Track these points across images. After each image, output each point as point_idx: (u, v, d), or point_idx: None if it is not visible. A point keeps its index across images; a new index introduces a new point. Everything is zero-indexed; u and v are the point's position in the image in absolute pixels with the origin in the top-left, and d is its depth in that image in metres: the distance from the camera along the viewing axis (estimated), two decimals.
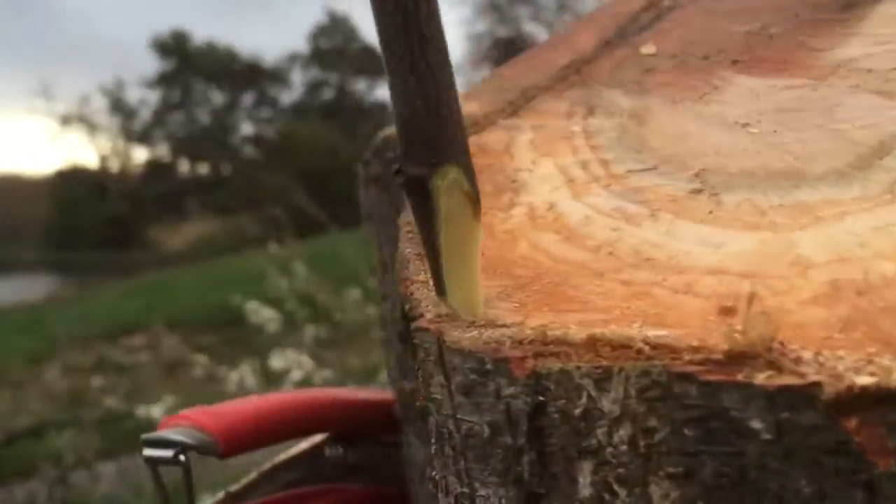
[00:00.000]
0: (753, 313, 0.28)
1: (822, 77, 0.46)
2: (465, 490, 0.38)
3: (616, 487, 0.32)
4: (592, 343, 0.32)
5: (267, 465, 0.90)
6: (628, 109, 0.52)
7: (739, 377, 0.28)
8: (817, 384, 0.27)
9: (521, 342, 0.34)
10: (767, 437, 0.28)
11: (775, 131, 0.43)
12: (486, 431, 0.35)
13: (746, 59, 0.52)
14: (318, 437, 0.89)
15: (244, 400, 0.70)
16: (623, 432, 0.31)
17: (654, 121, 0.50)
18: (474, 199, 0.36)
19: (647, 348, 0.31)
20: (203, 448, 0.64)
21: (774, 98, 0.46)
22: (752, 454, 0.29)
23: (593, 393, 0.32)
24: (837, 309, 0.30)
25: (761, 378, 0.28)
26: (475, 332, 0.36)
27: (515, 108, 0.60)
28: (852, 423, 0.27)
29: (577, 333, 0.33)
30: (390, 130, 0.67)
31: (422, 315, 0.39)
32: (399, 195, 0.65)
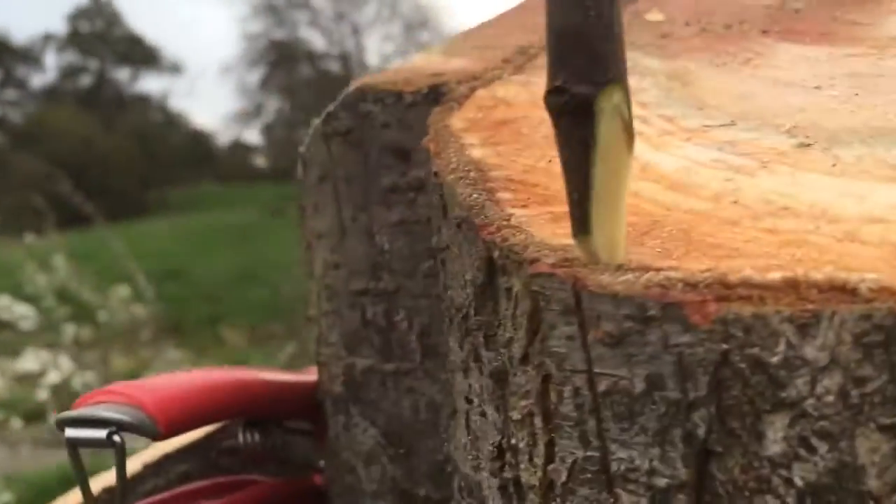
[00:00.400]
0: None
1: (881, 48, 0.46)
2: (594, 454, 0.34)
3: (815, 442, 0.29)
4: (795, 285, 0.29)
5: (154, 455, 0.80)
6: (663, 71, 0.51)
7: None
8: None
9: (695, 285, 0.31)
10: None
11: (857, 94, 0.43)
12: (640, 386, 0.32)
13: (778, 29, 0.52)
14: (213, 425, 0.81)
15: (173, 376, 0.62)
16: (829, 382, 0.29)
17: (701, 82, 0.48)
18: (631, 130, 0.32)
19: (865, 290, 0.29)
20: (141, 428, 0.56)
21: (839, 64, 0.46)
22: None
23: (794, 340, 0.29)
24: None
25: None
26: (630, 276, 0.32)
27: (518, 65, 0.56)
28: None
29: (773, 275, 0.30)
30: (365, 79, 0.61)
31: (534, 259, 0.34)
32: (372, 149, 0.60)
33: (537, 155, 0.44)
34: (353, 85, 0.61)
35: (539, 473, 0.37)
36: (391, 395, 0.63)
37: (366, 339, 0.64)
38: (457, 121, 0.50)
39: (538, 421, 0.36)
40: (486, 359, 0.41)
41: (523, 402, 0.37)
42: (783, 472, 0.30)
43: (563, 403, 0.34)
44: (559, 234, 0.36)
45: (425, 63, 0.61)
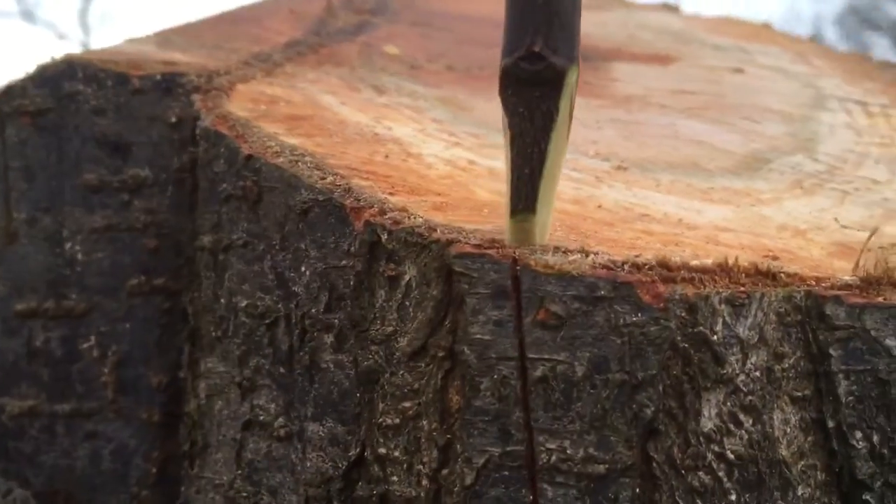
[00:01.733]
0: (886, 246, 0.32)
1: (623, 103, 0.53)
2: (515, 448, 0.31)
3: (742, 417, 0.31)
4: (726, 269, 0.32)
5: None
6: (434, 96, 0.51)
7: (880, 299, 0.32)
8: None
9: (640, 267, 0.31)
10: None
11: (631, 135, 0.48)
12: (581, 370, 0.31)
13: None
14: None
15: None
16: (756, 359, 0.31)
17: (479, 110, 0.50)
18: (572, 112, 0.32)
19: (783, 276, 0.32)
20: None
21: (597, 112, 0.51)
22: (883, 370, 0.32)
23: (730, 319, 0.31)
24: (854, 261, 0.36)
25: None
26: (577, 256, 0.31)
27: (266, 69, 0.52)
28: None
29: (704, 260, 0.32)
30: (74, 54, 0.50)
31: (453, 241, 0.32)
32: (74, 137, 0.49)
33: (367, 150, 0.40)
34: (55, 59, 0.50)
35: (424, 482, 0.33)
36: (60, 444, 0.50)
37: (28, 373, 0.51)
38: (238, 110, 0.44)
39: (429, 423, 0.33)
40: (332, 364, 0.36)
41: (406, 404, 0.33)
42: (716, 448, 0.31)
43: (477, 397, 0.32)
44: (456, 221, 0.34)
45: (141, 50, 0.53)
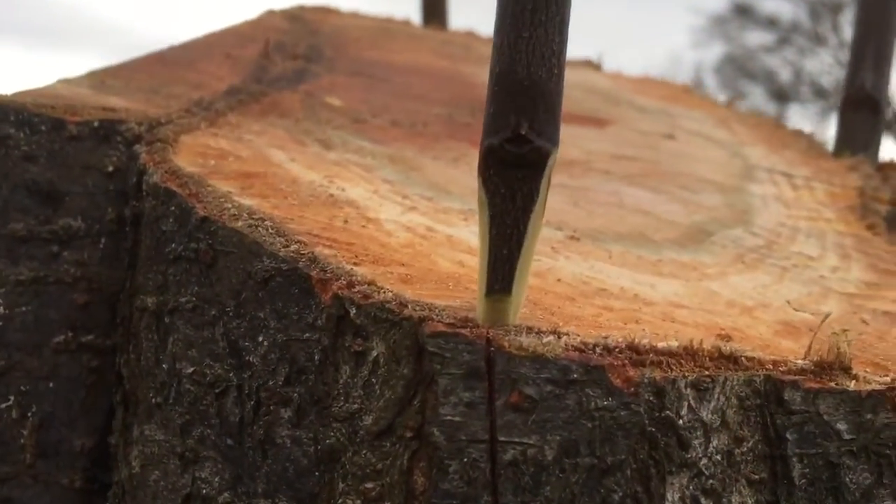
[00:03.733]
0: (839, 332, 0.34)
1: (564, 167, 0.53)
2: None
3: (703, 500, 0.32)
4: (692, 353, 0.32)
5: None
6: (383, 153, 0.51)
7: (833, 384, 0.33)
8: (892, 388, 0.33)
9: (611, 350, 0.31)
10: (849, 437, 0.33)
11: (579, 201, 0.48)
12: (551, 454, 0.31)
13: (461, 137, 0.56)
14: None
15: None
16: (718, 442, 0.32)
17: (428, 170, 0.50)
18: (547, 193, 0.32)
19: (744, 359, 0.33)
20: None
21: None
22: (833, 454, 0.33)
23: (694, 403, 0.32)
24: (801, 340, 0.37)
25: (852, 385, 0.33)
26: (551, 338, 0.31)
27: (209, 119, 0.51)
28: None
29: (671, 343, 0.32)
30: (4, 96, 0.48)
31: (425, 319, 0.31)
32: (2, 185, 0.47)
33: (325, 214, 0.40)
34: None
35: None
36: None
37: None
38: (186, 164, 0.42)
39: None
40: (287, 440, 0.34)
41: (369, 485, 0.32)
42: None
43: (446, 480, 0.31)
44: (424, 295, 0.34)
45: (76, 94, 0.51)
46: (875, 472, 0.33)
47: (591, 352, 0.31)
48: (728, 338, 0.36)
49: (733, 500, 0.32)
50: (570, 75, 0.83)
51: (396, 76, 0.67)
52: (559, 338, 0.31)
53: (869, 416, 0.33)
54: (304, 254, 0.35)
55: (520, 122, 0.30)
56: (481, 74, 0.74)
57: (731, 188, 0.54)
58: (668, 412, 0.31)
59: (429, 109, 0.60)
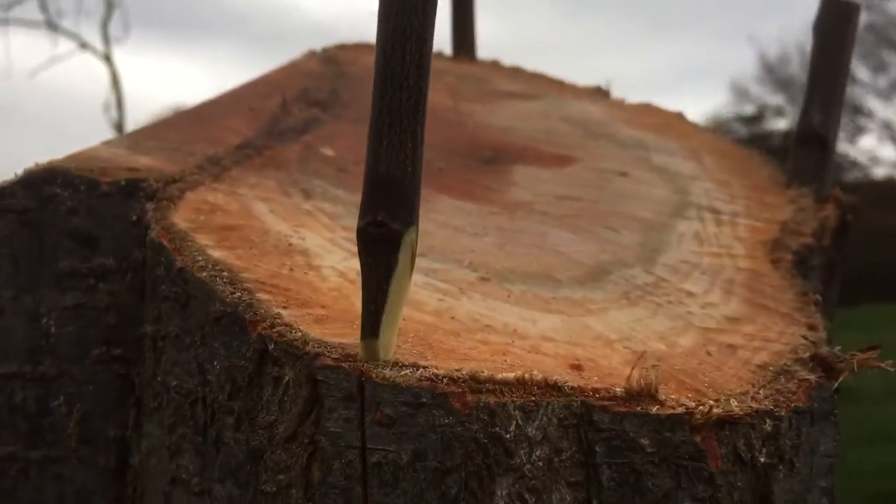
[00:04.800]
0: (648, 366, 0.42)
1: (510, 210, 0.63)
2: None
3: (526, 496, 0.41)
4: (523, 382, 0.42)
5: None
6: (352, 201, 0.61)
7: (638, 409, 0.42)
8: (690, 412, 0.42)
9: (455, 380, 0.41)
10: (651, 450, 0.42)
11: (506, 244, 0.58)
12: (406, 458, 0.41)
13: (430, 182, 0.66)
14: None
15: None
16: (540, 452, 0.41)
17: None
18: (414, 259, 0.42)
19: (566, 388, 0.42)
20: None
21: (486, 218, 0.61)
22: (637, 462, 0.42)
23: (521, 422, 0.41)
24: (657, 369, 0.46)
25: (654, 409, 0.42)
26: (407, 371, 0.41)
27: (214, 174, 0.62)
28: (699, 438, 0.42)
29: (507, 375, 0.42)
30: (54, 162, 0.61)
31: (318, 354, 0.42)
32: (52, 232, 0.60)
33: (276, 263, 0.51)
34: (39, 166, 0.61)
35: None
36: (33, 483, 0.61)
37: (8, 425, 0.61)
38: (181, 220, 0.54)
39: (296, 492, 0.43)
40: (232, 440, 0.46)
41: (281, 477, 0.43)
42: None
43: (331, 475, 0.42)
44: (327, 333, 0.44)
45: (113, 155, 0.64)
46: (675, 479, 0.42)
47: (439, 381, 0.41)
48: (578, 367, 0.45)
49: (554, 498, 0.42)
50: (566, 108, 0.91)
51: None
52: (416, 370, 0.41)
53: (668, 434, 0.42)
54: (245, 300, 0.46)
55: (377, 210, 0.40)
56: (480, 113, 0.83)
57: (657, 226, 0.62)
58: (497, 429, 0.41)
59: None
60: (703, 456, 0.42)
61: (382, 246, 0.41)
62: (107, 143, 0.67)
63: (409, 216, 0.41)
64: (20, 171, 0.62)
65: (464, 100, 0.86)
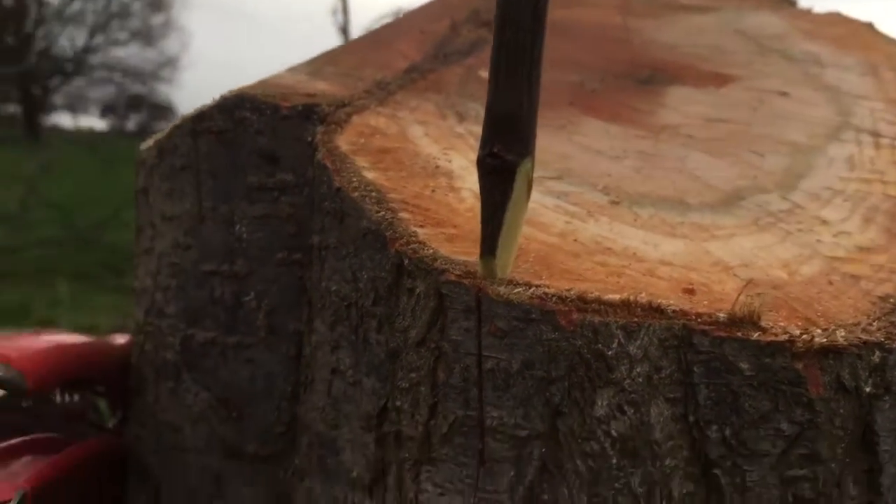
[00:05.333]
0: (753, 293, 0.44)
1: (655, 133, 0.64)
2: (472, 413, 0.47)
3: (626, 408, 0.45)
4: (627, 304, 0.45)
5: None
6: None
7: (739, 334, 0.44)
8: (791, 340, 0.43)
9: (563, 299, 0.45)
10: (750, 373, 0.44)
11: (644, 167, 0.60)
12: (516, 366, 0.46)
13: (580, 104, 0.68)
14: None
15: (36, 335, 0.66)
16: (640, 369, 0.45)
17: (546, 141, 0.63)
18: (531, 187, 0.46)
19: (669, 311, 0.45)
20: (11, 383, 0.60)
21: (629, 141, 0.63)
22: (735, 384, 0.44)
23: (623, 340, 0.45)
24: (762, 297, 0.47)
25: (755, 335, 0.44)
26: (520, 289, 0.46)
27: (380, 98, 0.68)
28: (801, 365, 0.44)
29: (613, 296, 0.45)
30: (244, 89, 0.69)
31: (444, 270, 0.47)
32: (242, 150, 0.69)
33: (420, 184, 0.56)
34: (232, 92, 0.69)
35: (420, 428, 0.49)
36: (230, 364, 0.72)
37: (210, 314, 0.72)
38: (343, 143, 0.60)
39: (424, 389, 0.49)
40: (375, 341, 0.53)
41: (413, 375, 0.50)
42: (604, 427, 0.45)
43: (452, 377, 0.47)
44: (456, 251, 0.49)
45: (295, 81, 0.71)
46: (773, 402, 0.44)
47: (548, 300, 0.45)
48: (692, 291, 0.47)
49: (652, 411, 0.45)
50: (744, 21, 0.88)
51: (556, 39, 0.79)
52: (529, 288, 0.46)
53: (768, 360, 0.44)
54: (387, 219, 0.52)
55: (494, 142, 0.44)
56: (648, 30, 0.83)
57: (808, 149, 0.61)
58: (600, 345, 0.45)
59: (565, 76, 0.72)
60: (803, 382, 0.44)
61: (498, 175, 0.45)
62: (291, 70, 0.74)
63: (523, 148, 0.45)
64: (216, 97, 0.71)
65: (634, 15, 0.86)
